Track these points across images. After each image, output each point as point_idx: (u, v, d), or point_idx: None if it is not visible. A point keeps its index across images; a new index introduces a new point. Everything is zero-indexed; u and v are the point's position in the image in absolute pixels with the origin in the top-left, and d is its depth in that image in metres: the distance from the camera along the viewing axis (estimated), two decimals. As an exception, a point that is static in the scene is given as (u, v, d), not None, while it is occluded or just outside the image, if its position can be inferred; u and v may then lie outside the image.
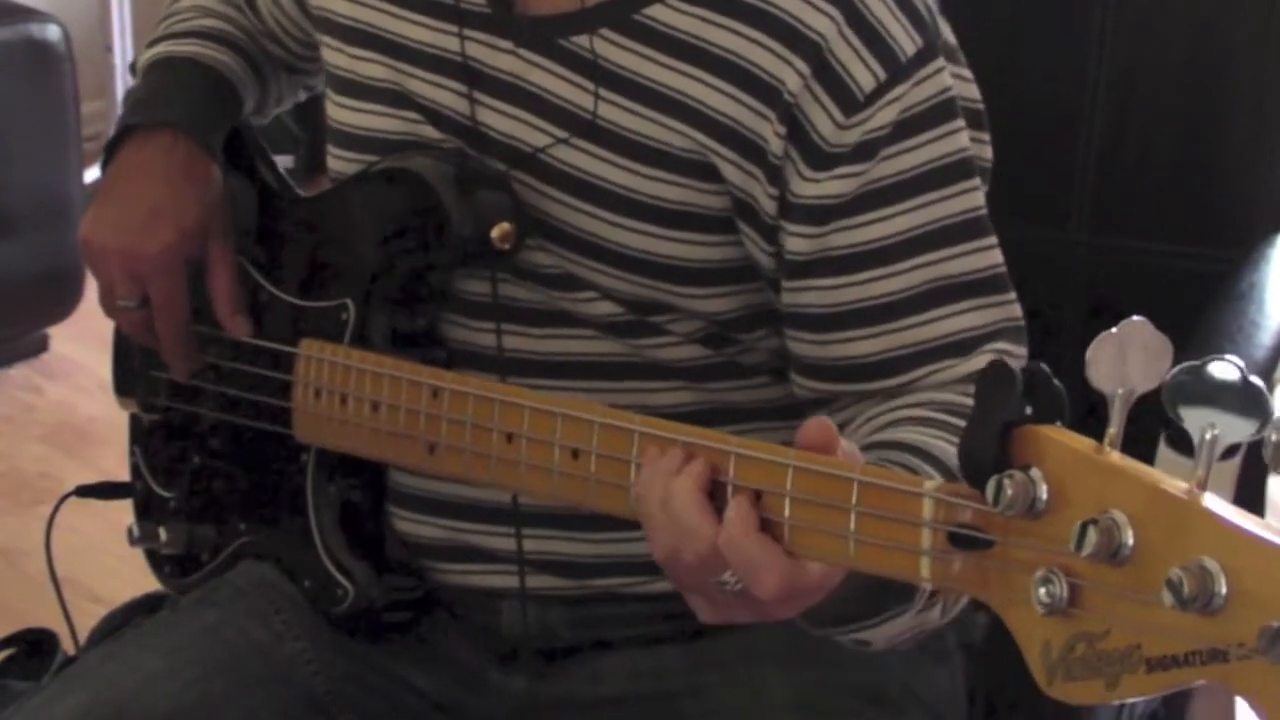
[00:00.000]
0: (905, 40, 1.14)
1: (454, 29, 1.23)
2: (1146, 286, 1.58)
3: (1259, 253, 1.56)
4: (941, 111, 1.16)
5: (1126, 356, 0.78)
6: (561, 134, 1.19)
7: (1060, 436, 0.80)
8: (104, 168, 1.38)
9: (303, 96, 1.54)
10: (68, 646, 1.61)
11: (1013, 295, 1.18)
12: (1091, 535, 0.75)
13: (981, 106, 1.21)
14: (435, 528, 1.29)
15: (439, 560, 1.29)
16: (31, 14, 3.09)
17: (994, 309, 1.17)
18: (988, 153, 1.21)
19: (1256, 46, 1.55)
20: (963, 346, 1.15)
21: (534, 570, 1.26)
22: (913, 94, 1.14)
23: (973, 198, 1.17)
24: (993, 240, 1.18)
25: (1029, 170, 1.58)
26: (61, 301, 3.16)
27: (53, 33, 3.08)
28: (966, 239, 1.16)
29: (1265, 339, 1.47)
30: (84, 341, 3.24)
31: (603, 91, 1.18)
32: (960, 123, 1.17)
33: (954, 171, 1.16)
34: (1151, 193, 1.59)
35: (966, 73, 1.20)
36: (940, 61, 1.16)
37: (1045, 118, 1.60)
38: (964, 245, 1.16)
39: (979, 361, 1.14)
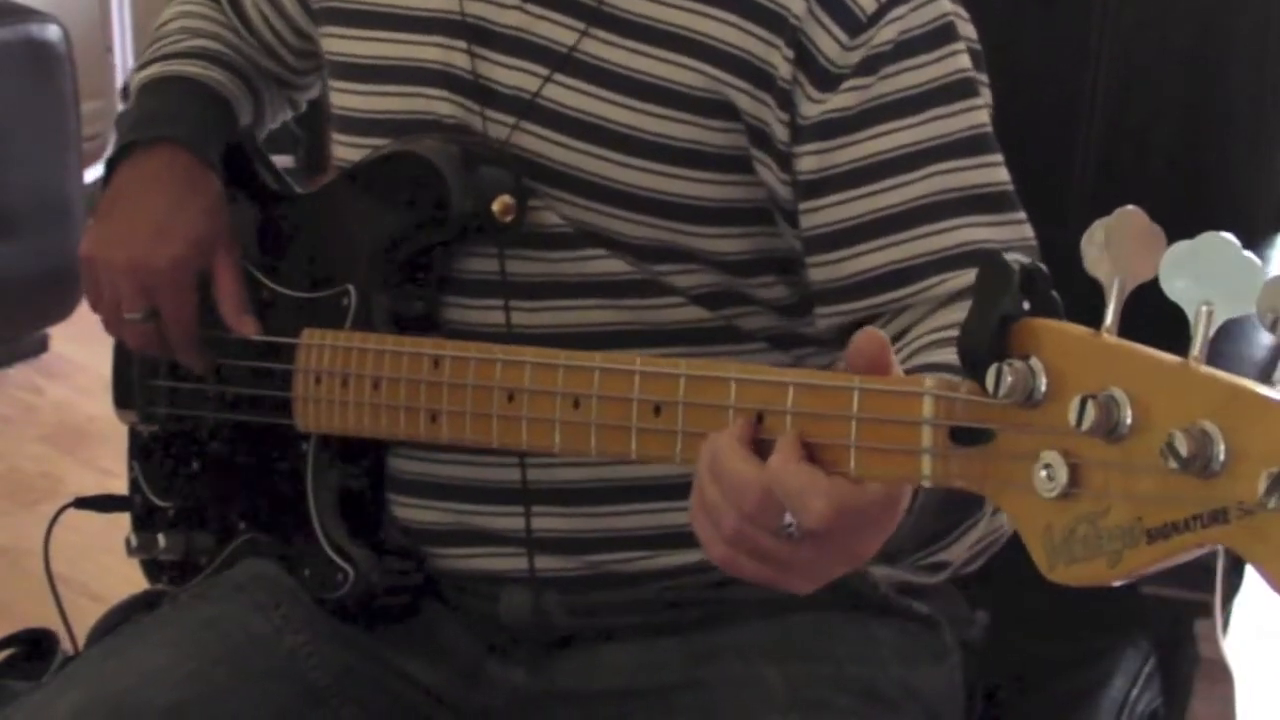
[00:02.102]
0: None
1: None
2: (1146, 286, 1.58)
3: (1259, 252, 1.56)
4: (941, 34, 1.18)
5: (1121, 245, 0.78)
6: (544, 71, 1.21)
7: (1057, 325, 0.81)
8: (104, 186, 1.38)
9: (289, 113, 1.55)
10: (67, 647, 1.61)
11: (1023, 215, 1.19)
12: (1090, 409, 0.76)
13: (979, 47, 1.22)
14: (437, 512, 1.29)
15: (440, 545, 1.30)
16: (31, 14, 3.10)
17: (1006, 226, 1.18)
18: (987, 95, 1.22)
19: (1256, 46, 1.55)
20: (976, 257, 1.14)
21: (535, 550, 1.27)
22: (911, 17, 1.17)
23: (977, 115, 1.19)
24: (999, 158, 1.19)
25: (1029, 170, 1.58)
26: (61, 301, 3.16)
27: (53, 33, 3.08)
28: (973, 153, 1.18)
29: (1265, 338, 1.47)
30: (84, 341, 3.24)
31: (615, 37, 1.20)
32: (960, 45, 1.19)
33: (957, 90, 1.18)
34: (1151, 192, 1.59)
35: (964, 12, 1.22)
36: None
37: (1045, 118, 1.60)
38: (971, 159, 1.18)
39: None
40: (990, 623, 1.34)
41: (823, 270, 1.20)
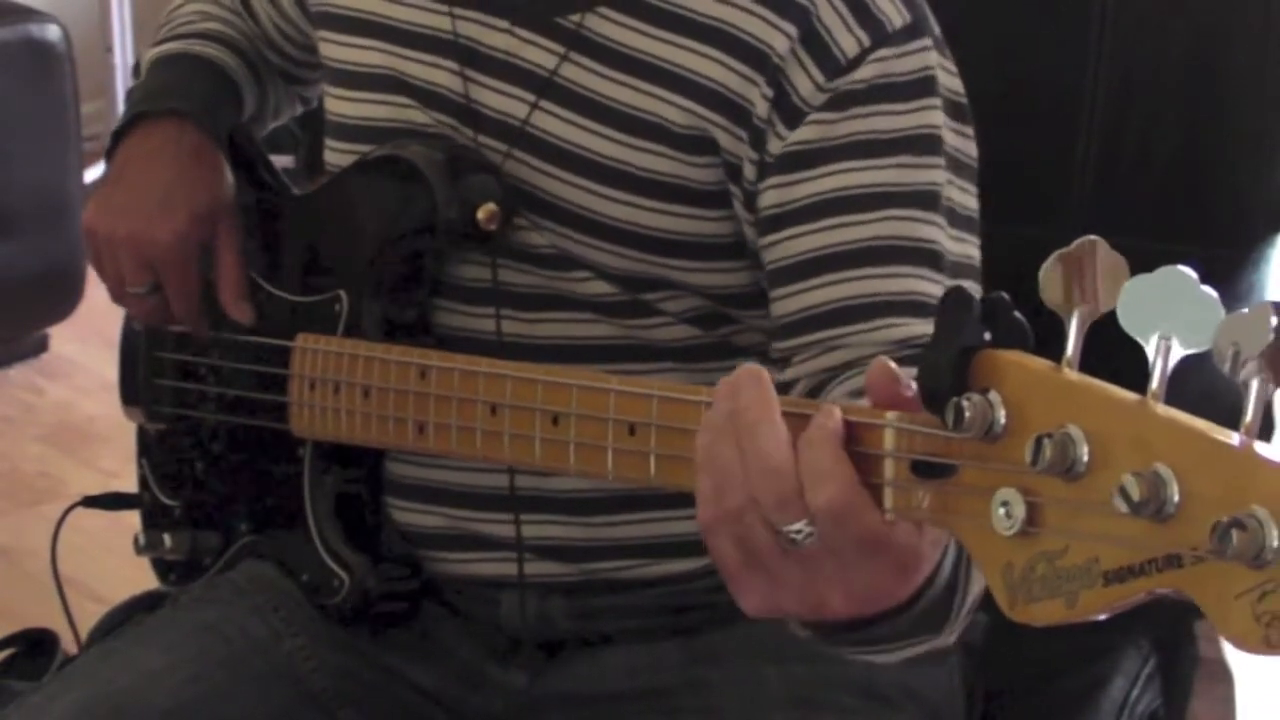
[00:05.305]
0: (893, 14, 1.16)
1: (447, 9, 1.24)
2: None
3: (1259, 253, 1.56)
4: (920, 87, 1.17)
5: (1081, 276, 0.78)
6: (531, 98, 1.20)
7: (1018, 359, 0.79)
8: (109, 156, 1.38)
9: (299, 109, 1.55)
10: (70, 648, 1.61)
11: (977, 288, 1.16)
12: (1046, 449, 0.75)
13: (964, 100, 1.21)
14: (435, 516, 1.29)
15: (439, 550, 1.30)
16: (31, 14, 3.10)
17: None
18: (972, 149, 1.21)
19: (1256, 46, 1.55)
20: (923, 308, 1.13)
21: (533, 556, 1.27)
22: (895, 63, 1.16)
23: (935, 174, 1.17)
24: (945, 222, 1.16)
25: (1029, 170, 1.58)
26: (61, 301, 3.16)
27: (53, 33, 3.09)
28: (927, 209, 1.16)
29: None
30: (84, 341, 3.24)
31: (596, 65, 1.19)
32: (937, 102, 1.17)
33: (922, 144, 1.16)
34: (1151, 193, 1.59)
35: (951, 65, 1.21)
36: (927, 41, 1.17)
37: (1045, 117, 1.60)
38: (925, 214, 1.15)
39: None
40: (990, 623, 1.34)
41: (776, 305, 1.18)
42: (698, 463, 0.89)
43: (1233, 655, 1.46)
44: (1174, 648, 1.44)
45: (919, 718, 1.26)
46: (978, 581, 0.98)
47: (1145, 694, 1.42)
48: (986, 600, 1.34)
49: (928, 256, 1.15)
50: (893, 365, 0.86)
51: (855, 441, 0.86)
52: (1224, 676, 1.48)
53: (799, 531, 0.85)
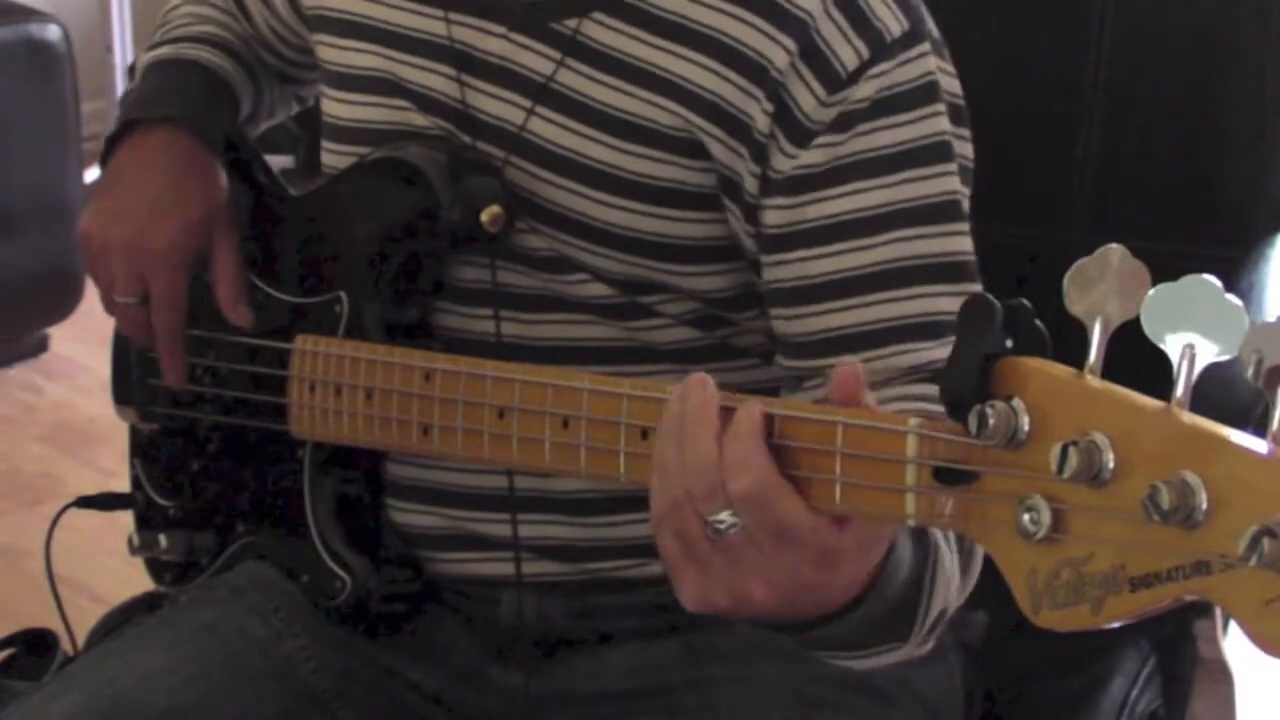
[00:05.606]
0: (891, 21, 1.15)
1: (443, 14, 1.24)
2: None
3: (1259, 253, 1.56)
4: (922, 95, 1.16)
5: (1104, 284, 0.78)
6: (527, 103, 1.20)
7: (1040, 366, 0.80)
8: (103, 164, 1.38)
9: (295, 109, 1.55)
10: (67, 648, 1.61)
11: (980, 287, 1.17)
12: (1072, 457, 0.76)
13: (962, 102, 1.21)
14: (434, 517, 1.29)
15: (438, 550, 1.30)
16: (31, 14, 3.10)
17: (965, 299, 1.16)
18: (969, 150, 1.21)
19: (1256, 46, 1.55)
20: (937, 329, 1.14)
21: (532, 556, 1.27)
22: (895, 74, 1.15)
23: (948, 181, 1.17)
24: (965, 227, 1.17)
25: (1029, 170, 1.58)
26: (61, 301, 3.17)
27: (53, 33, 3.09)
28: (940, 221, 1.16)
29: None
30: (84, 341, 3.25)
31: (592, 71, 1.19)
32: (941, 107, 1.17)
33: (931, 153, 1.16)
34: (1151, 193, 1.59)
35: (949, 67, 1.20)
36: (925, 46, 1.17)
37: (1045, 117, 1.60)
38: (937, 227, 1.16)
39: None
40: (989, 623, 1.34)
41: (783, 324, 1.18)
42: (653, 464, 0.94)
43: (1233, 655, 1.46)
44: (1174, 648, 1.44)
45: (918, 716, 1.26)
46: (946, 595, 1.00)
47: (1145, 694, 1.42)
48: (985, 599, 1.35)
49: (940, 271, 1.15)
50: (860, 371, 0.89)
51: (876, 447, 0.87)
52: (1224, 676, 1.48)
53: (723, 521, 0.89)
